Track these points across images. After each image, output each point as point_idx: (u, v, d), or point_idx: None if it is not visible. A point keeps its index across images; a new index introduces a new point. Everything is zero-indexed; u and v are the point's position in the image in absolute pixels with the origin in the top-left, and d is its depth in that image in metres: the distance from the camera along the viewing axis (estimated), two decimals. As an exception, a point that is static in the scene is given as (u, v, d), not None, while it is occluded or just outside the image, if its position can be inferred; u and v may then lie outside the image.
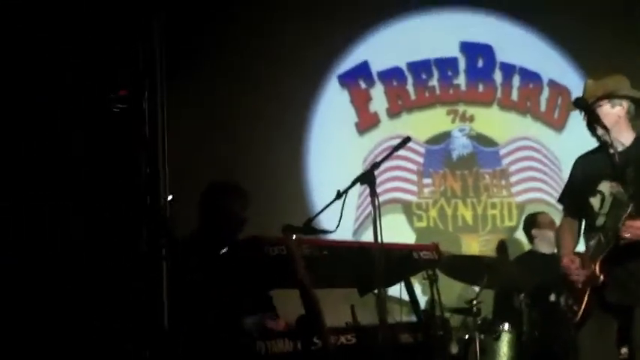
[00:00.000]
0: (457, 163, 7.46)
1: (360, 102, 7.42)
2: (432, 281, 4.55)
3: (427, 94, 7.54)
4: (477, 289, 5.59)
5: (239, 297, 4.10)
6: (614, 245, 4.06)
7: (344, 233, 4.32)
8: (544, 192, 7.45)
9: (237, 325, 4.12)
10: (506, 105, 7.60)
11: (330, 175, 6.88)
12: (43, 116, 3.94)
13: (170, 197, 4.09)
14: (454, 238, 7.29)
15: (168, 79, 4.07)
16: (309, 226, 3.82)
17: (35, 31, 3.91)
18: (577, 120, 4.40)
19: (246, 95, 6.98)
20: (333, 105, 7.33)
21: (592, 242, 4.23)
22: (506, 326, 5.48)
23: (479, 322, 5.43)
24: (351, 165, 6.89)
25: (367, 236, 6.10)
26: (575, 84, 7.26)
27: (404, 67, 7.49)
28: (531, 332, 5.56)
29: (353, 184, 3.82)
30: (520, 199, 7.47)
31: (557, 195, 4.79)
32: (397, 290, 4.58)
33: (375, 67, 7.44)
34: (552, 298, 5.20)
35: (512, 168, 7.51)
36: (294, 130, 7.20)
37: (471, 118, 7.54)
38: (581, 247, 4.39)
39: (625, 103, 4.29)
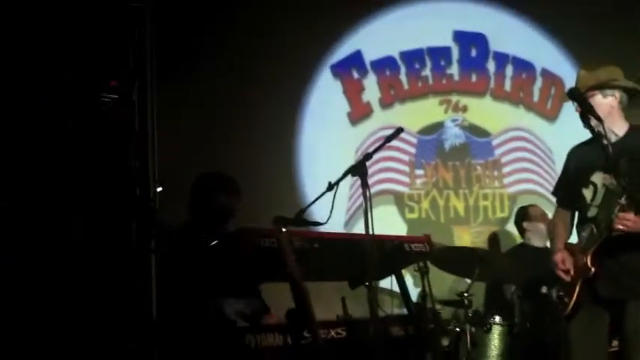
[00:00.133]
0: (449, 153, 7.44)
1: (353, 92, 7.39)
2: (423, 273, 4.54)
3: (420, 84, 7.51)
4: (468, 281, 5.57)
5: (229, 289, 4.08)
6: (606, 237, 4.05)
7: (335, 225, 4.30)
8: (536, 183, 7.43)
9: (223, 313, 4.10)
10: (500, 95, 7.58)
11: (323, 166, 6.87)
12: (43, 116, 3.92)
13: (159, 188, 4.07)
14: (446, 230, 7.27)
15: (162, 77, 4.06)
16: (301, 218, 3.78)
17: (35, 31, 3.89)
18: (570, 110, 4.37)
19: (237, 86, 6.94)
20: (325, 95, 7.30)
21: (584, 234, 4.22)
22: (497, 319, 5.46)
23: (470, 314, 5.41)
24: (344, 155, 6.87)
25: (359, 228, 6.09)
26: (568, 74, 7.23)
27: (397, 57, 7.46)
28: (523, 324, 5.55)
29: (344, 175, 3.78)
30: (512, 190, 7.46)
31: (549, 186, 4.79)
32: (388, 282, 4.57)
33: (369, 57, 7.41)
34: (544, 290, 5.18)
35: (505, 159, 7.49)
36: (286, 120, 7.16)
37: (464, 109, 7.51)
38: (574, 239, 4.38)
39: (617, 94, 4.26)
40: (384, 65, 7.43)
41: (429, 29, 7.51)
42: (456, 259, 5.62)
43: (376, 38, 7.40)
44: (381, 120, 7.32)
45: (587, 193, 4.22)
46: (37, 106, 3.93)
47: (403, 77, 7.48)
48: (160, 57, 4.05)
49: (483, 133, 7.51)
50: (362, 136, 7.26)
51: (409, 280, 5.07)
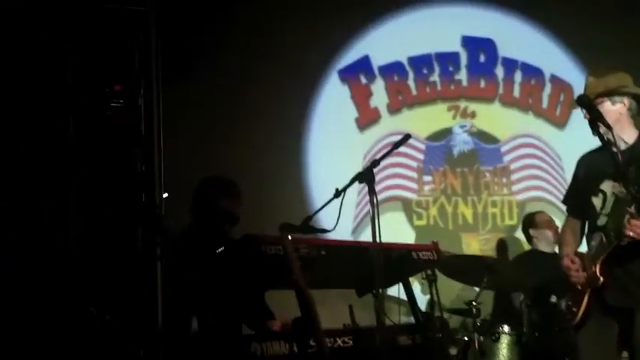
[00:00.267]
0: (458, 160, 7.41)
1: (361, 97, 7.36)
2: (431, 281, 4.50)
3: (428, 90, 7.49)
4: (477, 289, 5.53)
5: (234, 297, 4.05)
6: (615, 245, 4.01)
7: (343, 232, 4.27)
8: (545, 190, 7.39)
9: (234, 325, 4.08)
10: (508, 101, 7.55)
11: (330, 172, 6.82)
12: (43, 116, 3.91)
13: (165, 195, 4.05)
14: (454, 237, 7.24)
15: (167, 78, 4.04)
16: (307, 225, 3.75)
17: (35, 31, 3.88)
18: (579, 117, 4.32)
19: (245, 92, 6.91)
20: (333, 100, 7.27)
21: (594, 242, 4.18)
22: (506, 328, 5.43)
23: (478, 323, 5.37)
24: (352, 161, 6.84)
25: (366, 234, 6.06)
26: (577, 80, 7.20)
27: (405, 62, 7.43)
28: (531, 334, 5.51)
29: (351, 182, 3.76)
30: (521, 197, 7.43)
31: (558, 193, 4.76)
32: (396, 290, 4.54)
33: (376, 62, 7.38)
34: (553, 299, 5.14)
35: (514, 165, 7.47)
36: (293, 126, 7.13)
37: (473, 115, 7.49)
38: (583, 248, 4.34)
39: (626, 100, 4.23)
40: (392, 70, 7.41)
41: (437, 34, 7.50)
42: (464, 267, 5.59)
43: (384, 43, 7.38)
44: (389, 126, 7.29)
45: (597, 201, 4.19)
46: (38, 106, 3.91)
47: (411, 83, 7.45)
48: (165, 61, 4.02)
49: (492, 139, 7.48)
50: (370, 141, 7.23)
51: (417, 287, 5.03)
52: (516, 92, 7.57)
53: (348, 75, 7.34)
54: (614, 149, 4.07)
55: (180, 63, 6.22)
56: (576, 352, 4.25)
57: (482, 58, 7.57)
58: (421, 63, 7.47)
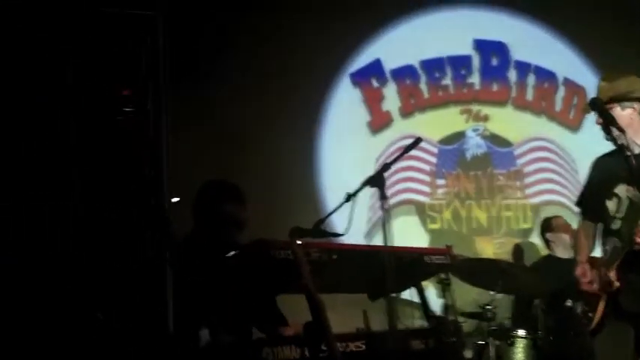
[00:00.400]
0: (471, 163, 7.38)
1: (373, 101, 7.34)
2: (445, 285, 4.47)
3: (440, 93, 7.46)
4: (492, 293, 5.50)
5: (244, 301, 4.02)
6: (628, 251, 3.97)
7: (356, 235, 4.24)
8: (559, 194, 7.36)
9: (244, 330, 4.05)
10: (521, 105, 7.52)
11: (343, 176, 6.78)
12: (43, 116, 3.90)
13: (176, 200, 4.03)
14: (468, 241, 7.21)
15: (175, 82, 4.03)
16: (319, 229, 3.73)
17: (35, 31, 3.87)
18: (593, 120, 4.30)
19: (257, 96, 6.89)
20: (345, 104, 7.24)
21: (608, 247, 4.16)
22: (521, 332, 5.39)
23: (493, 327, 5.34)
24: (364, 165, 6.78)
25: (379, 238, 5.94)
26: (590, 83, 7.13)
27: (417, 66, 7.40)
28: (546, 338, 5.47)
29: (362, 187, 3.73)
30: (535, 200, 7.39)
31: (572, 197, 4.73)
32: (408, 293, 4.50)
33: (388, 65, 7.35)
34: (569, 303, 5.10)
35: (527, 169, 7.43)
36: (305, 130, 7.11)
37: (485, 118, 7.46)
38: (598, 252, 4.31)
39: (637, 105, 4.21)
40: (404, 74, 7.38)
41: (449, 38, 7.47)
42: (478, 271, 5.56)
43: (396, 47, 7.35)
44: (402, 129, 7.26)
45: (611, 205, 4.16)
46: (38, 106, 3.91)
47: (423, 86, 7.43)
48: (173, 65, 4.01)
49: (505, 142, 7.45)
50: (382, 145, 7.20)
51: (432, 291, 4.99)
52: (529, 95, 7.54)
53: (360, 79, 7.31)
54: (628, 153, 4.03)
55: (191, 68, 6.22)
56: (593, 357, 4.21)
57: (494, 62, 7.55)
58: (433, 66, 7.45)
